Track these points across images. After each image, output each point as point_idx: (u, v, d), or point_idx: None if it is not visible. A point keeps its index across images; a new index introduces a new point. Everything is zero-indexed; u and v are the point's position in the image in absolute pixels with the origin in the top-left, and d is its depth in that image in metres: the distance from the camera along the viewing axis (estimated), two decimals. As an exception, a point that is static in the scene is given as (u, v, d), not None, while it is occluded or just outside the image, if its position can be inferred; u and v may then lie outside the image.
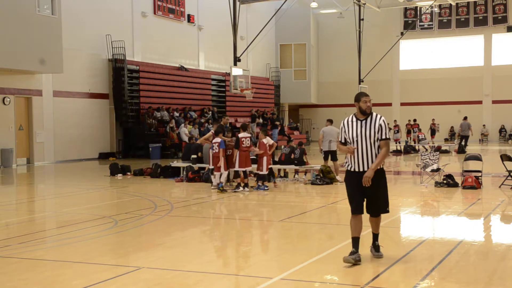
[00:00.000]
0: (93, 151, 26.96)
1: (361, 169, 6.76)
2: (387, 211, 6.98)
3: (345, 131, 6.96)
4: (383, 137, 6.81)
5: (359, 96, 7.04)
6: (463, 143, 30.06)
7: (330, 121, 16.68)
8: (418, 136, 30.40)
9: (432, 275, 6.34)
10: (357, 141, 6.80)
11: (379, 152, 6.78)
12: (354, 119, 6.96)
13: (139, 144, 27.59)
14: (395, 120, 34.49)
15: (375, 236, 7.08)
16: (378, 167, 6.75)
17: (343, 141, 6.98)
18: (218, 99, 34.58)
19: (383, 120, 6.88)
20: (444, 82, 41.27)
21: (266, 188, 14.37)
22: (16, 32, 21.36)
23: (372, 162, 6.74)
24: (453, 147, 30.08)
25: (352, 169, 6.84)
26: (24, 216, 11.52)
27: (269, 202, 13.07)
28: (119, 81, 27.63)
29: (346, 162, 6.95)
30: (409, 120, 34.04)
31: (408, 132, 33.39)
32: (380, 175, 6.83)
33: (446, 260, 7.01)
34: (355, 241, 6.79)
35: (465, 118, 31.43)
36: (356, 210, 6.80)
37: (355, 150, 6.77)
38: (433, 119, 34.24)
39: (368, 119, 6.89)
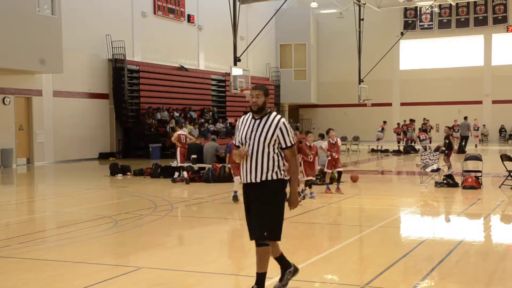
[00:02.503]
0: (93, 151, 26.96)
1: (247, 180, 5.28)
2: (267, 238, 5.23)
3: (238, 131, 5.43)
4: (287, 144, 5.27)
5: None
6: (463, 143, 29.98)
7: (321, 136, 16.97)
8: (419, 137, 30.35)
9: (432, 275, 6.34)
10: (248, 144, 5.30)
11: (283, 163, 5.34)
12: (251, 117, 5.38)
13: (139, 144, 27.58)
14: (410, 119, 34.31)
15: (258, 278, 5.35)
16: (274, 178, 5.24)
17: (236, 143, 5.46)
18: (218, 99, 34.58)
19: (284, 123, 5.28)
20: (444, 82, 41.26)
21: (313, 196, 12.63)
22: (16, 32, 21.35)
23: (263, 173, 5.24)
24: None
25: (243, 180, 5.37)
26: (24, 216, 11.52)
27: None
28: (119, 81, 27.62)
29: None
30: (405, 121, 34.01)
31: (404, 133, 33.31)
32: (271, 190, 5.26)
33: (446, 260, 7.01)
34: (258, 278, 5.36)
35: (465, 118, 31.39)
36: (250, 235, 5.38)
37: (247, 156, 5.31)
38: (425, 119, 34.15)
39: (264, 119, 5.30)
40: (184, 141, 16.87)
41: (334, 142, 13.28)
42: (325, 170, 13.78)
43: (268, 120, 5.26)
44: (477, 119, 36.19)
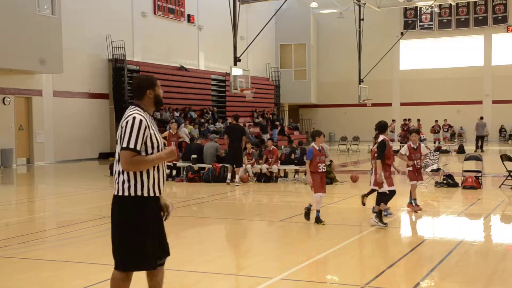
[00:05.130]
0: (93, 151, 26.96)
1: (161, 193, 4.59)
2: (117, 268, 4.90)
3: (151, 131, 4.40)
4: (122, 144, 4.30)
5: (154, 81, 4.52)
6: (479, 143, 29.93)
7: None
8: (420, 137, 30.33)
9: (432, 275, 6.34)
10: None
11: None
12: (147, 114, 4.44)
13: (139, 144, 27.54)
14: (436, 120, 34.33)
15: None
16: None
17: (140, 148, 4.33)
18: (218, 99, 34.57)
19: (132, 116, 4.32)
20: (444, 82, 41.25)
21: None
22: (16, 32, 21.35)
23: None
24: (453, 147, 30.06)
25: (154, 193, 4.47)
26: (24, 216, 11.52)
27: (269, 202, 13.08)
28: (119, 81, 27.62)
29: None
30: (405, 120, 34.05)
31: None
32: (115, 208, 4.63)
33: (446, 260, 7.01)
34: None
35: (481, 118, 31.39)
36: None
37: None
38: (417, 119, 34.16)
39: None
40: (170, 139, 17.26)
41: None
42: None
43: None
44: (446, 120, 36.10)
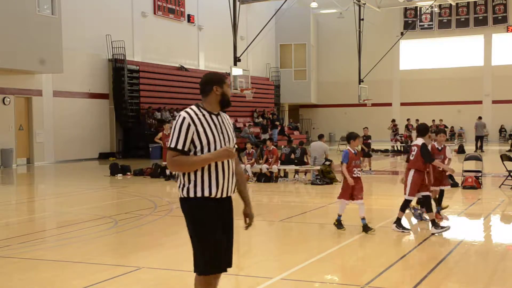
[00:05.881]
0: (93, 151, 26.95)
1: (224, 194, 4.26)
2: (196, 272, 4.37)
3: (201, 128, 4.17)
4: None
5: (223, 78, 4.44)
6: (479, 144, 29.97)
7: (319, 137, 17.17)
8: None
9: (432, 275, 6.34)
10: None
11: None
12: (205, 112, 4.27)
13: (139, 144, 27.58)
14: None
15: None
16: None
17: (183, 147, 4.14)
18: (218, 99, 34.52)
19: (179, 115, 4.34)
20: (444, 82, 41.25)
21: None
22: (16, 32, 21.35)
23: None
24: (453, 147, 30.04)
25: (209, 194, 4.19)
26: (24, 216, 11.52)
27: (269, 202, 13.07)
28: (119, 81, 27.62)
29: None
30: (408, 120, 34.07)
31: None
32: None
33: (446, 260, 7.01)
34: None
35: (480, 118, 31.41)
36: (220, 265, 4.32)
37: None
38: (416, 119, 34.15)
39: (222, 115, 4.46)
40: (163, 140, 17.43)
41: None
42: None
43: (225, 116, 4.51)
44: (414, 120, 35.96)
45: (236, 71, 23.56)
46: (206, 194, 4.15)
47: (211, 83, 4.32)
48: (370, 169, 18.96)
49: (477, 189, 13.76)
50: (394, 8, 40.51)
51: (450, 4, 39.97)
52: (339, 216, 8.97)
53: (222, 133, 4.26)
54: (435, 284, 6.04)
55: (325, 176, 15.64)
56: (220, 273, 4.33)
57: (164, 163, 17.47)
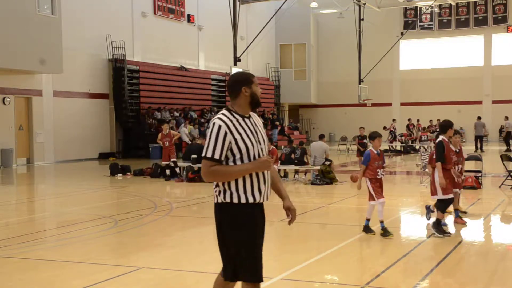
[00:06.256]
0: (93, 151, 26.95)
1: (264, 199, 4.18)
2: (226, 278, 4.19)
3: (238, 135, 3.98)
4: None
5: (250, 77, 4.15)
6: (478, 144, 30.03)
7: (320, 137, 17.20)
8: (421, 137, 30.39)
9: (432, 275, 6.34)
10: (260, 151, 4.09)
11: None
12: (238, 116, 4.05)
13: (139, 144, 27.58)
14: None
15: None
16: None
17: (220, 157, 3.96)
18: (218, 99, 34.57)
19: (212, 122, 4.08)
20: (444, 82, 41.25)
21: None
22: (16, 32, 21.35)
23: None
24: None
25: (253, 200, 4.04)
26: (24, 216, 11.52)
27: (269, 202, 13.06)
28: (119, 81, 27.62)
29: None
30: (409, 120, 34.09)
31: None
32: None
33: (446, 260, 7.01)
34: None
35: (479, 118, 31.45)
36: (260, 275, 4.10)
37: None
38: (417, 119, 34.12)
39: (253, 117, 4.20)
40: (162, 140, 17.42)
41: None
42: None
43: (257, 119, 4.24)
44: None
45: (236, 71, 23.56)
46: (251, 200, 4.00)
47: (239, 84, 4.09)
48: None
49: (477, 189, 13.76)
50: (394, 8, 40.51)
51: (450, 4, 39.98)
52: (382, 223, 8.43)
53: (257, 136, 4.08)
54: (435, 284, 6.04)
55: (325, 176, 15.64)
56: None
57: (164, 163, 17.45)
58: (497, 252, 7.74)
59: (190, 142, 22.01)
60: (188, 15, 33.10)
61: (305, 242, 8.39)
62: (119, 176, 18.50)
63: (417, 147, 30.01)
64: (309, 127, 44.62)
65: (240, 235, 4.00)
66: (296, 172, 16.88)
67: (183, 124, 27.88)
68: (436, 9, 40.99)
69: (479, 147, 29.83)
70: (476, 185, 13.84)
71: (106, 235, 8.90)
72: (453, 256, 7.21)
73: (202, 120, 30.50)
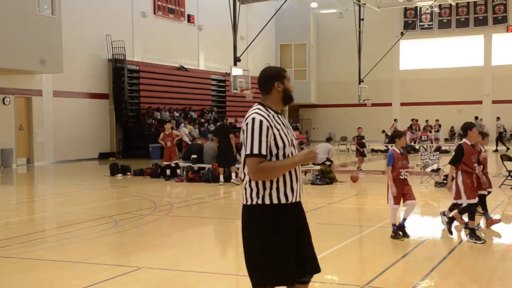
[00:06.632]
0: (93, 151, 26.96)
1: (297, 199, 3.99)
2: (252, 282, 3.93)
3: (276, 131, 3.85)
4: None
5: (282, 72, 4.07)
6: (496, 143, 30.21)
7: (328, 139, 17.49)
8: (421, 137, 30.41)
9: (432, 275, 6.34)
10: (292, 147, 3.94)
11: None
12: (272, 112, 3.94)
13: (139, 144, 27.58)
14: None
15: None
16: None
17: (266, 153, 3.78)
18: (218, 99, 34.59)
19: (251, 118, 3.89)
20: (444, 82, 41.25)
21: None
22: (16, 32, 21.35)
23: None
24: (453, 147, 30.01)
25: (285, 200, 3.87)
26: (24, 216, 11.52)
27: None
28: (119, 81, 27.62)
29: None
30: (413, 120, 34.09)
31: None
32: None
33: (446, 260, 7.01)
34: None
35: (476, 118, 31.48)
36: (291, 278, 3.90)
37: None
38: (415, 119, 34.06)
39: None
40: (164, 140, 17.31)
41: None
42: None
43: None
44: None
45: (236, 71, 23.54)
46: (283, 200, 3.82)
47: (272, 79, 3.98)
48: (360, 169, 19.07)
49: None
50: (394, 8, 40.51)
51: (450, 4, 39.98)
52: (394, 226, 8.17)
53: (289, 133, 3.94)
54: (435, 284, 6.04)
55: (325, 176, 15.64)
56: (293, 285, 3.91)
57: (165, 162, 17.42)
58: (497, 252, 7.74)
59: (190, 142, 21.99)
60: (188, 15, 33.10)
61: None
62: (119, 176, 18.50)
63: (416, 147, 30.00)
64: (309, 127, 44.62)
65: (268, 238, 3.79)
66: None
67: (183, 124, 27.88)
68: (436, 9, 40.99)
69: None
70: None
71: (106, 235, 8.90)
72: (453, 256, 7.20)
73: (202, 120, 30.50)
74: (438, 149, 27.04)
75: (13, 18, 21.22)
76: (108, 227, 9.44)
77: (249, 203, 3.85)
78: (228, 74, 26.96)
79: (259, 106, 3.91)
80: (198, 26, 33.87)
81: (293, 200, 3.88)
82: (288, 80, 4.04)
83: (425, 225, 9.95)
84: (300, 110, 45.94)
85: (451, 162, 8.37)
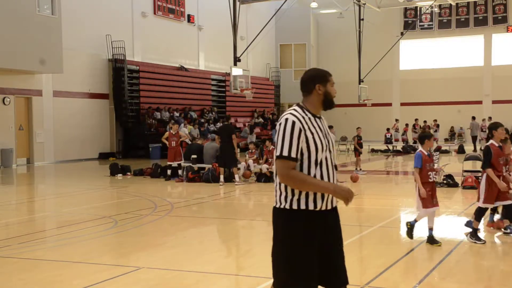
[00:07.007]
0: (93, 151, 26.96)
1: (329, 206, 3.84)
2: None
3: (310, 134, 3.74)
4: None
5: (326, 75, 3.94)
6: (476, 143, 30.20)
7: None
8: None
9: (432, 275, 6.34)
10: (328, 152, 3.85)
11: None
12: (309, 115, 3.82)
13: (139, 144, 27.58)
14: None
15: None
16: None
17: (296, 155, 3.70)
18: (218, 99, 34.58)
19: (284, 118, 3.79)
20: (444, 82, 41.24)
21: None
22: (16, 32, 21.35)
23: None
24: (453, 147, 30.05)
25: (314, 207, 3.76)
26: (24, 216, 11.52)
27: (269, 202, 13.07)
28: (119, 81, 27.62)
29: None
30: (416, 120, 34.11)
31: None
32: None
33: (446, 260, 7.01)
34: None
35: (474, 118, 31.52)
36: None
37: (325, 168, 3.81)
38: (415, 119, 34.06)
39: (323, 120, 3.97)
40: (169, 140, 17.27)
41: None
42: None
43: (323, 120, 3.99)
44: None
45: (236, 71, 23.54)
46: (311, 207, 3.70)
47: (313, 81, 3.86)
48: (360, 169, 19.11)
49: (477, 189, 13.72)
50: (394, 8, 40.50)
51: (450, 4, 39.98)
52: (431, 230, 7.80)
53: (327, 138, 3.80)
54: (435, 284, 6.04)
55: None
56: None
57: (169, 163, 17.32)
58: (497, 252, 7.74)
59: (190, 142, 21.98)
60: (188, 15, 33.10)
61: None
62: (119, 176, 18.50)
63: (416, 147, 30.00)
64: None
65: (290, 243, 3.72)
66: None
67: (182, 124, 27.88)
68: (436, 9, 40.98)
69: (475, 147, 29.98)
70: (476, 185, 13.81)
71: (106, 235, 8.90)
72: (453, 256, 7.20)
73: (202, 120, 30.50)
74: (438, 149, 27.04)
75: (13, 18, 21.22)
76: (108, 227, 9.44)
77: (277, 205, 3.80)
78: (228, 74, 26.96)
79: (296, 107, 3.83)
80: (198, 26, 33.87)
81: (323, 208, 3.76)
82: (332, 84, 3.94)
83: (425, 225, 9.95)
84: (300, 110, 45.91)
85: (483, 167, 8.05)
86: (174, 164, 17.23)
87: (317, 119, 3.83)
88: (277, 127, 3.76)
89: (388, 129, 31.74)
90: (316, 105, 3.86)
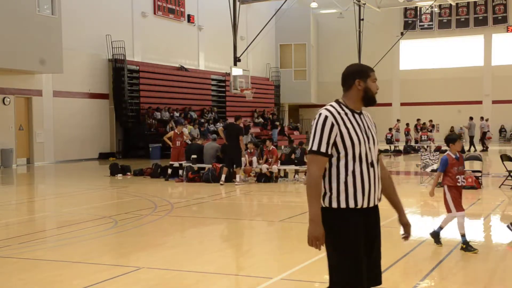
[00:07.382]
0: (93, 151, 26.96)
1: (371, 203, 3.75)
2: None
3: (344, 129, 3.66)
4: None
5: (367, 70, 3.95)
6: (480, 143, 30.27)
7: None
8: (421, 137, 30.40)
9: (432, 275, 6.34)
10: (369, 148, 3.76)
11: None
12: (347, 110, 3.74)
13: (139, 144, 27.59)
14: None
15: None
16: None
17: (327, 150, 3.62)
18: (218, 99, 34.58)
19: (319, 113, 3.74)
20: (444, 82, 41.26)
21: None
22: (16, 32, 21.35)
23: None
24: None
25: (354, 205, 3.67)
26: (24, 216, 11.52)
27: (269, 202, 13.08)
28: (119, 81, 27.63)
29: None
30: (418, 120, 34.08)
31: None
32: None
33: (446, 260, 7.01)
34: None
35: (471, 118, 31.56)
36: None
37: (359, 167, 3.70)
38: (417, 119, 34.04)
39: (365, 116, 3.91)
40: (174, 139, 17.20)
41: None
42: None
43: (368, 116, 3.93)
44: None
45: (236, 71, 23.56)
46: (352, 205, 3.61)
47: (353, 76, 3.81)
48: None
49: (477, 189, 13.75)
50: (394, 8, 40.51)
51: (450, 4, 39.98)
52: (463, 236, 7.40)
53: (366, 134, 3.71)
54: (435, 284, 6.03)
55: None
56: None
57: (171, 162, 17.26)
58: (497, 252, 7.74)
59: (190, 142, 21.97)
60: (188, 15, 33.10)
61: (305, 242, 8.37)
62: (119, 176, 18.50)
63: (417, 147, 30.01)
64: (309, 127, 44.57)
65: (337, 243, 3.66)
66: (296, 172, 16.87)
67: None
68: (436, 9, 41.00)
69: (473, 146, 30.00)
70: (476, 185, 13.83)
71: (106, 235, 8.90)
72: (453, 256, 7.20)
73: (202, 120, 30.50)
74: (438, 149, 27.04)
75: (13, 18, 21.22)
76: (108, 227, 9.44)
77: (322, 205, 3.73)
78: (228, 74, 26.98)
79: (333, 103, 3.74)
80: (198, 26, 33.87)
81: (365, 205, 3.65)
82: (374, 80, 3.85)
83: (425, 225, 9.95)
84: (300, 110, 45.94)
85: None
86: (176, 164, 17.22)
87: (356, 115, 3.73)
88: (312, 121, 3.71)
89: (390, 129, 31.74)
90: (356, 100, 3.78)
